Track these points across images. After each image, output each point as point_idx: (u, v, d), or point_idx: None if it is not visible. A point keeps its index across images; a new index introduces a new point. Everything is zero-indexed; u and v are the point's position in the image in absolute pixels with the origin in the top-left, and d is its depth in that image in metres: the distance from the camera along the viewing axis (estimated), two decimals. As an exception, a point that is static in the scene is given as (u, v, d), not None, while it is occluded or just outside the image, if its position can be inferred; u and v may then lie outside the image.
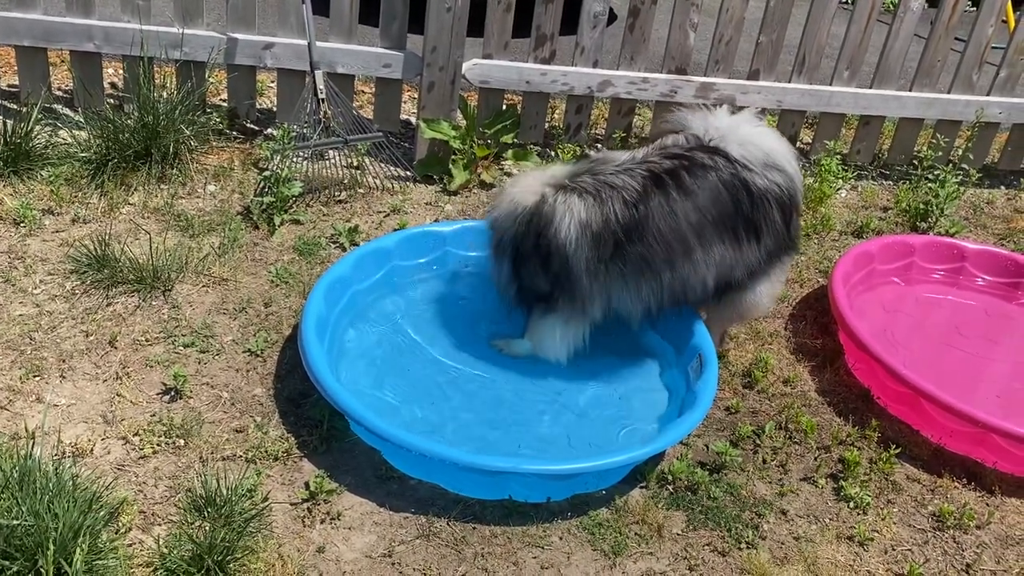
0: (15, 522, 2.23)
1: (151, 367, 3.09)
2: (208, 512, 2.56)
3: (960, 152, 5.17)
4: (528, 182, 3.20)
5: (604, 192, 3.05)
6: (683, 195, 3.06)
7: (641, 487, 2.94)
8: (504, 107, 4.67)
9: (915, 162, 5.17)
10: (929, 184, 4.80)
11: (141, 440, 2.81)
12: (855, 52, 4.90)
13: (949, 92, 5.11)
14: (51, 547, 2.16)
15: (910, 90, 5.07)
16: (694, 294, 3.17)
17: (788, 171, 3.23)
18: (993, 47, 5.08)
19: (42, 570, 2.17)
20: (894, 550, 2.87)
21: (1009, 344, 3.96)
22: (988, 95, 5.14)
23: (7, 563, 2.21)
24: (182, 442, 2.83)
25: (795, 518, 2.93)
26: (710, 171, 3.11)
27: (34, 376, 2.97)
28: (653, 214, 3.02)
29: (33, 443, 2.55)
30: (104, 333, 3.19)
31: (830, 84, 4.97)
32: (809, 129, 5.44)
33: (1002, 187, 5.36)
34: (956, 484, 3.15)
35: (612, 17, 4.64)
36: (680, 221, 3.04)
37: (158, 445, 2.80)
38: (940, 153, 5.05)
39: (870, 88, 5.02)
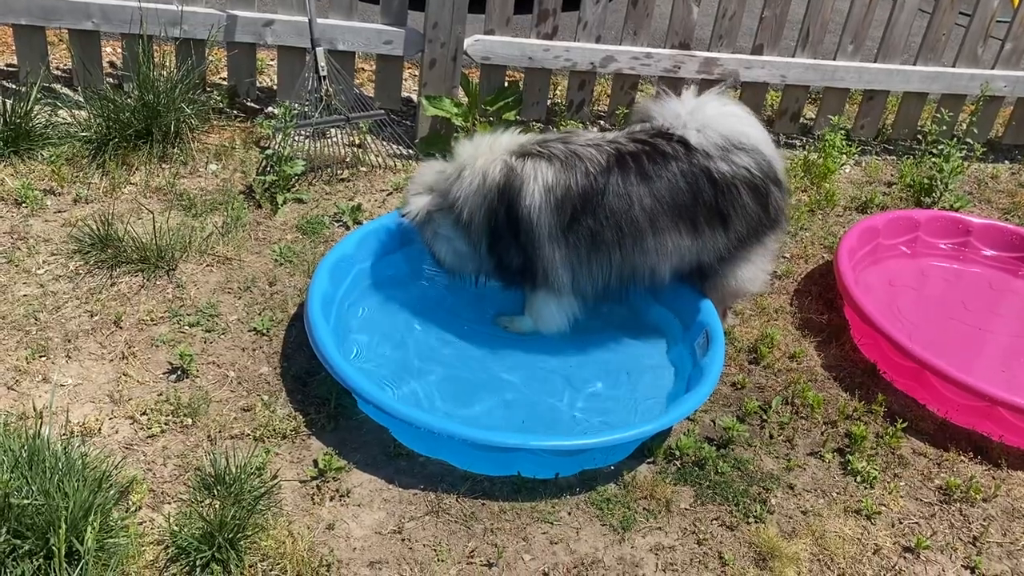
0: (26, 501, 2.23)
1: (157, 346, 3.08)
2: (217, 490, 2.56)
3: (964, 127, 5.15)
4: (485, 152, 3.09)
5: (571, 160, 3.03)
6: (641, 180, 3.03)
7: (649, 462, 2.94)
8: (506, 84, 4.63)
9: (919, 137, 5.14)
10: (933, 159, 4.77)
11: (148, 419, 2.81)
12: (859, 26, 4.86)
13: (954, 66, 5.08)
14: (63, 526, 2.16)
15: (914, 64, 5.04)
16: (643, 281, 3.17)
17: (759, 149, 3.16)
18: (998, 20, 5.05)
19: (54, 548, 2.17)
20: (901, 523, 2.89)
21: (1014, 318, 3.95)
22: (993, 68, 5.11)
23: (18, 542, 2.21)
24: (189, 421, 2.83)
25: (802, 492, 2.94)
26: (671, 160, 3.07)
27: (40, 356, 2.97)
28: (608, 191, 3.01)
29: (41, 423, 2.54)
30: (109, 313, 3.18)
31: (834, 59, 4.94)
32: (813, 104, 5.41)
33: (1006, 161, 5.34)
34: (962, 458, 3.16)
35: (614, -7, 4.59)
36: (634, 205, 3.02)
37: (166, 424, 2.80)
38: (944, 128, 5.03)
39: (874, 62, 4.99)
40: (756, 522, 2.80)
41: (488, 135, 3.20)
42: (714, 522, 2.78)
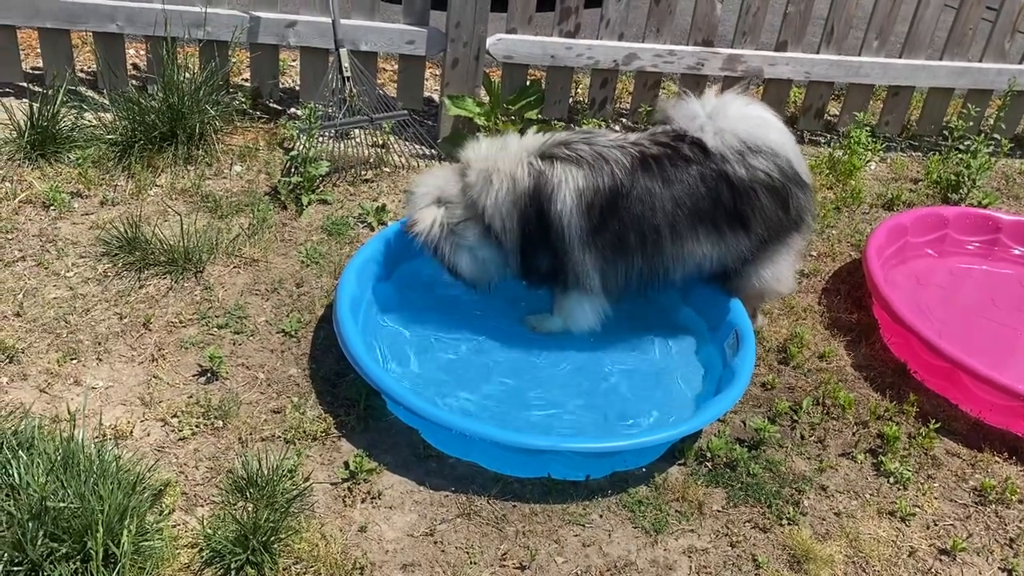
0: (62, 504, 2.24)
1: (186, 349, 3.09)
2: (250, 493, 2.56)
3: (991, 122, 5.09)
4: (505, 157, 3.05)
5: (598, 162, 3.01)
6: (663, 184, 3.02)
7: (680, 464, 2.92)
8: (528, 82, 4.62)
9: (945, 133, 5.09)
10: (960, 155, 4.72)
11: (180, 422, 2.81)
12: (885, 21, 4.81)
13: (980, 61, 5.02)
14: (100, 529, 2.16)
15: (940, 59, 4.98)
16: (658, 283, 3.17)
17: (777, 152, 3.12)
18: (1026, 14, 4.98)
19: (91, 551, 2.18)
20: (936, 525, 2.85)
21: (1045, 316, 3.91)
22: (1021, 63, 5.05)
23: (56, 545, 2.22)
24: (220, 423, 2.83)
25: (835, 494, 2.91)
26: (692, 164, 3.05)
27: (71, 359, 2.98)
28: (633, 194, 3.00)
29: (74, 426, 2.56)
30: (138, 315, 3.19)
31: (859, 54, 4.89)
32: (837, 101, 5.36)
33: (1034, 157, 5.28)
34: (997, 458, 3.12)
35: (635, -11, 4.56)
36: (656, 210, 3.02)
37: (197, 427, 2.81)
38: (971, 123, 4.97)
39: (899, 58, 4.93)
40: (789, 524, 2.78)
41: (496, 139, 3.18)
42: (747, 524, 2.76)
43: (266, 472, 2.59)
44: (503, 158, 3.07)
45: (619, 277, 3.12)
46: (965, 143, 4.72)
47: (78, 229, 3.55)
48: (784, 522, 2.78)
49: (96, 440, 2.66)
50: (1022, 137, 5.39)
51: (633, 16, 4.59)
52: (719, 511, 2.79)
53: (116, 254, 3.40)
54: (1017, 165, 5.12)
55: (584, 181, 2.98)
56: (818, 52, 4.84)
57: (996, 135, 4.82)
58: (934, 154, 4.99)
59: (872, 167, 4.91)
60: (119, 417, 2.80)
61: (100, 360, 3.00)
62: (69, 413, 2.66)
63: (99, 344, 3.05)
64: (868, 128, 4.78)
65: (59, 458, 2.40)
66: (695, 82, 4.68)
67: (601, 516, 2.72)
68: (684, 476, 2.88)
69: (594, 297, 3.16)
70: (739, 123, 3.13)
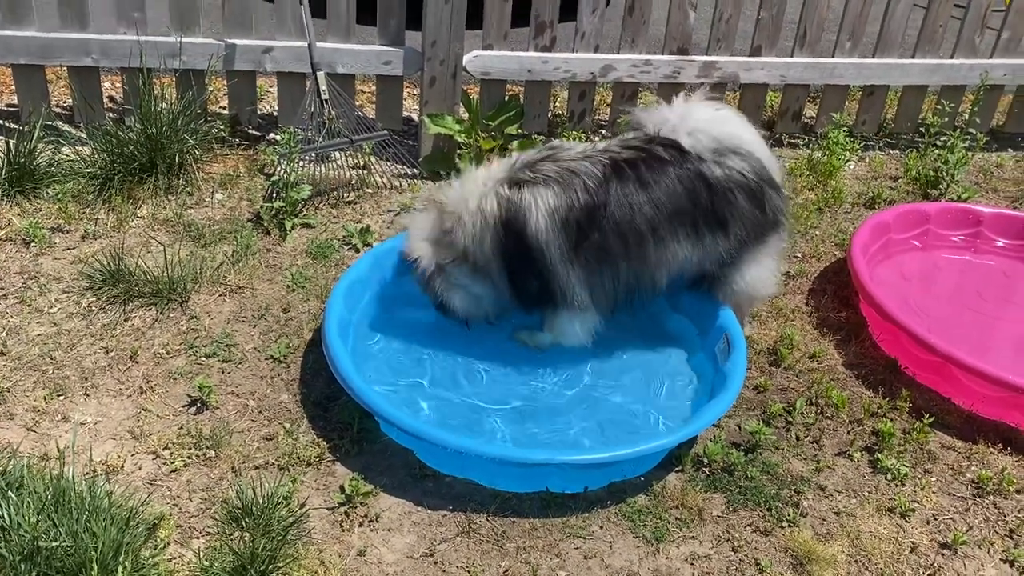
0: (54, 544, 2.20)
1: (175, 379, 3.05)
2: (246, 522, 2.53)
3: (966, 117, 5.14)
4: (475, 191, 3.04)
5: (566, 178, 3.00)
6: (640, 188, 3.01)
7: (677, 471, 2.91)
8: (507, 98, 4.63)
9: (921, 130, 5.14)
10: (937, 151, 4.77)
11: (171, 453, 2.78)
12: (856, 23, 4.86)
13: (952, 57, 5.08)
14: (94, 567, 2.13)
15: (913, 57, 5.04)
16: (645, 291, 3.16)
17: (751, 152, 3.13)
18: (994, 10, 5.05)
19: (86, 590, 2.14)
20: (936, 520, 2.85)
21: (1031, 306, 3.94)
22: (991, 58, 5.11)
23: (50, 586, 2.18)
24: (213, 453, 2.80)
25: (834, 493, 2.91)
26: (667, 165, 3.04)
27: (58, 395, 2.94)
28: (611, 203, 2.99)
29: (64, 463, 2.52)
30: (124, 348, 3.15)
31: (832, 56, 4.94)
32: (813, 103, 5.41)
33: (1010, 150, 5.33)
34: (992, 449, 3.13)
35: (608, 1, 4.60)
36: (636, 214, 3.00)
37: (189, 458, 2.77)
38: (946, 119, 5.02)
39: (873, 58, 4.99)
40: (790, 526, 2.77)
41: (465, 174, 3.17)
42: (748, 528, 2.75)
43: (261, 500, 2.56)
44: (471, 194, 3.05)
45: (607, 287, 3.11)
46: (942, 139, 4.77)
47: (60, 264, 3.51)
48: (785, 524, 2.77)
49: (87, 476, 2.62)
50: (997, 131, 5.45)
51: (607, 28, 4.62)
52: (719, 516, 2.78)
53: (100, 287, 3.37)
54: (994, 158, 5.18)
55: (555, 200, 2.97)
56: (792, 55, 4.89)
57: (972, 130, 4.87)
58: (912, 151, 5.04)
59: (852, 167, 4.95)
60: (109, 452, 2.77)
61: (88, 395, 2.96)
62: (58, 450, 2.62)
63: (86, 379, 3.02)
64: (846, 128, 4.82)
65: (50, 497, 2.36)
66: (672, 91, 4.65)
67: (601, 527, 2.70)
68: (682, 483, 2.87)
69: (585, 314, 3.15)
70: (711, 124, 3.14)
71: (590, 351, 3.24)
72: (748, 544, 2.70)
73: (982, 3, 4.95)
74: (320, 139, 4.12)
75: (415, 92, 5.07)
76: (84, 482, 2.48)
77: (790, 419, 3.16)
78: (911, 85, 5.14)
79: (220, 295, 3.46)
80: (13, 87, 4.28)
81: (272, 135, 4.50)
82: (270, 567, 2.38)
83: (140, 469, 2.73)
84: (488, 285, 3.13)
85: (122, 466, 2.72)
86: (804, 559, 2.66)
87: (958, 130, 4.78)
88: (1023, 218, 4.23)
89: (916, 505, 2.89)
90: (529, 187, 3.00)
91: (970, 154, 4.72)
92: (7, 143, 3.82)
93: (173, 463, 2.75)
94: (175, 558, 2.46)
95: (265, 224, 3.86)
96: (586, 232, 2.99)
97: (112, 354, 3.13)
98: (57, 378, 3.00)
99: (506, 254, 3.04)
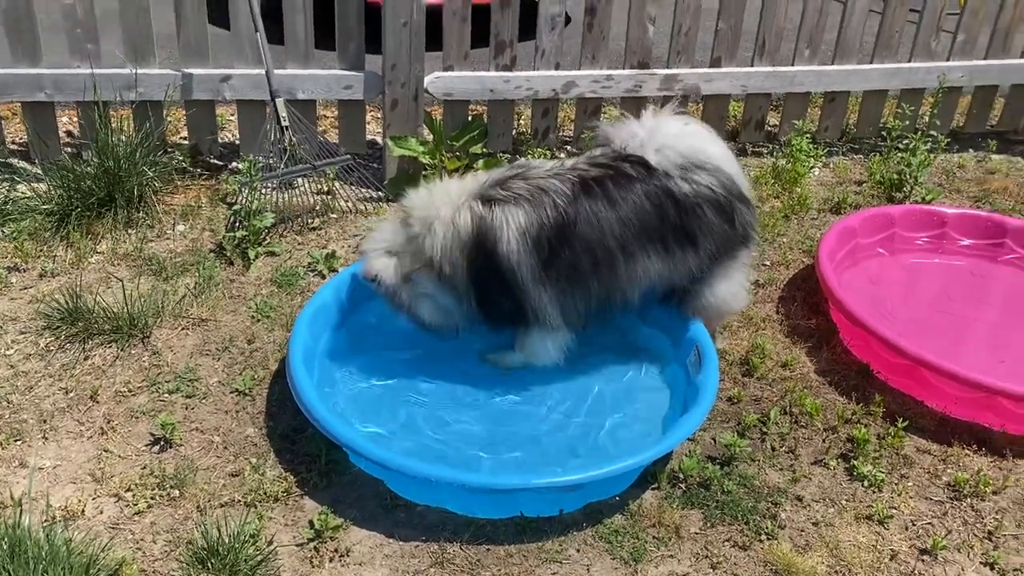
0: (10, 597, 2.12)
1: (137, 418, 2.98)
2: (212, 563, 2.46)
3: (926, 119, 5.19)
4: (445, 202, 3.01)
5: (537, 196, 2.98)
6: (608, 205, 3.00)
7: (653, 488, 2.87)
8: (470, 118, 4.61)
9: (883, 134, 5.17)
10: (900, 154, 4.80)
11: (134, 495, 2.70)
12: (814, 31, 4.90)
13: (910, 61, 5.13)
14: (51, 619, 2.05)
15: (871, 63, 5.08)
16: (616, 307, 3.15)
17: (719, 167, 3.13)
18: (948, 13, 5.11)
19: (43, 644, 2.06)
20: (915, 525, 2.83)
21: (1000, 304, 3.95)
22: (948, 60, 5.17)
23: (5, 641, 2.10)
24: (177, 493, 2.72)
25: (811, 503, 2.88)
26: (635, 182, 3.03)
27: (15, 440, 2.85)
28: (580, 220, 2.97)
29: (20, 511, 2.44)
30: (84, 388, 3.07)
31: (792, 65, 4.97)
32: (775, 111, 5.44)
33: (971, 150, 5.39)
34: (967, 451, 3.12)
35: (567, 20, 4.59)
36: (605, 232, 2.99)
37: (152, 499, 2.69)
38: (907, 122, 5.07)
39: (832, 65, 5.02)
40: (768, 539, 2.73)
41: (434, 184, 3.14)
42: (726, 543, 2.72)
43: (227, 540, 2.48)
44: (443, 204, 3.02)
45: (579, 306, 3.08)
46: (904, 142, 4.80)
47: (16, 304, 3.43)
48: (763, 538, 2.74)
49: (44, 524, 2.54)
50: (958, 132, 5.50)
51: (567, 45, 4.62)
52: (697, 533, 2.74)
53: (58, 327, 3.29)
54: (956, 159, 5.22)
55: (526, 218, 2.94)
56: (752, 65, 4.91)
57: (932, 132, 4.91)
58: (875, 155, 5.07)
59: (816, 173, 4.97)
60: (69, 497, 2.68)
61: (46, 438, 2.88)
62: (13, 499, 2.53)
63: (44, 422, 2.93)
64: (808, 135, 4.84)
65: (5, 547, 2.28)
66: (635, 104, 4.70)
67: (578, 551, 2.66)
68: (659, 500, 2.83)
69: (556, 332, 3.12)
70: (679, 140, 3.13)
71: (561, 370, 3.21)
72: (727, 560, 2.66)
73: (937, 6, 5.01)
74: (282, 166, 4.07)
75: (378, 115, 5.04)
76: (42, 530, 2.40)
77: (765, 429, 3.13)
78: (871, 90, 5.18)
79: (183, 329, 3.39)
80: (-35, 125, 4.20)
81: (234, 164, 4.45)
82: (237, 609, 2.31)
83: (101, 513, 2.65)
84: (454, 296, 3.08)
85: (82, 511, 2.64)
86: (784, 572, 2.62)
87: (919, 133, 4.82)
88: (987, 217, 4.27)
89: (894, 511, 2.86)
90: (500, 205, 2.97)
91: (932, 156, 4.75)
92: (-41, 183, 3.74)
93: (136, 505, 2.67)
94: (139, 604, 2.38)
95: (228, 254, 3.80)
96: (557, 250, 2.97)
97: (72, 395, 3.05)
98: (14, 422, 2.92)
99: (476, 271, 3.00)
